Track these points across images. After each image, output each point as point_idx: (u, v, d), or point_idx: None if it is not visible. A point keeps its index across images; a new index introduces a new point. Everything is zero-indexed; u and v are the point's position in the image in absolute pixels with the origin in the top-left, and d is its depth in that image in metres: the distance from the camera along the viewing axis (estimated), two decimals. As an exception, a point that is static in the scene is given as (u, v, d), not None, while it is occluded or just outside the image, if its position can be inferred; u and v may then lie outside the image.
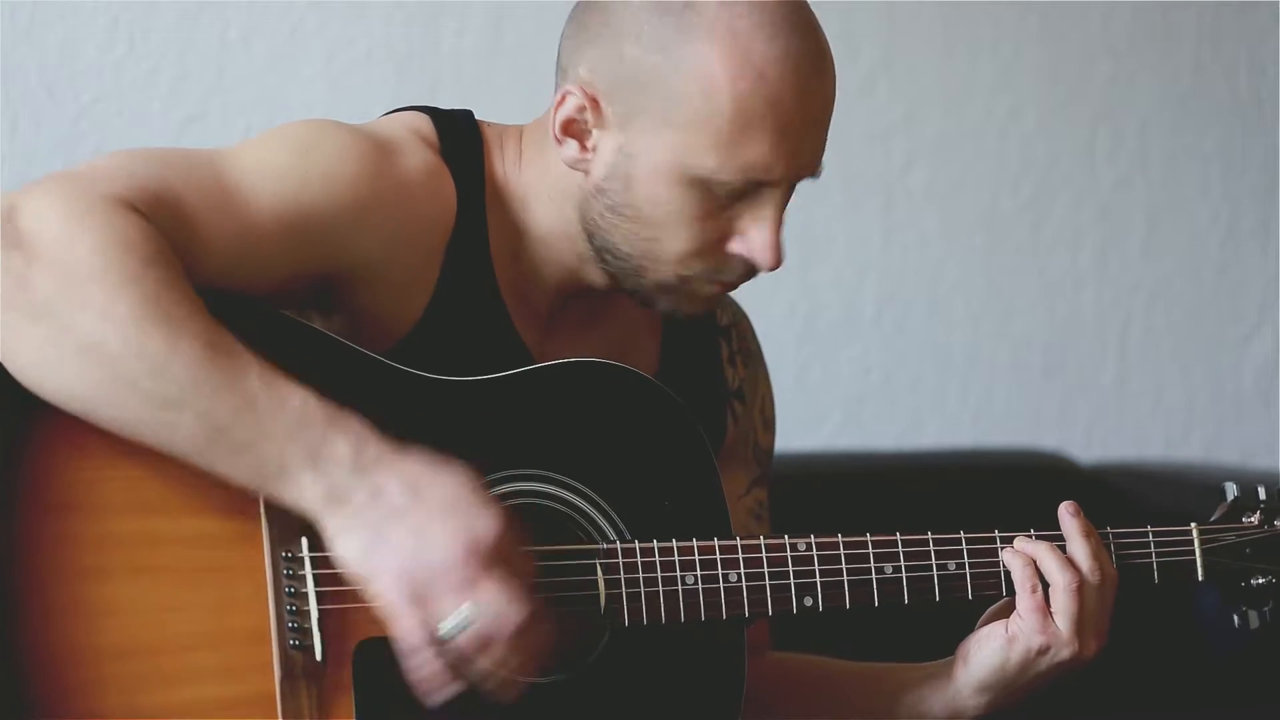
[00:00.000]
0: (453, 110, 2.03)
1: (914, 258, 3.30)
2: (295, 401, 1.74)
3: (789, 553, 1.95)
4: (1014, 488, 3.01)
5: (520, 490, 1.90)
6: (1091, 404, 3.41)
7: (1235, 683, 2.82)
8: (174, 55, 2.84)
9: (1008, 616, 1.98)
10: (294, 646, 1.78)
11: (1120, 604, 2.04)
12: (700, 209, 1.91)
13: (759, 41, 1.87)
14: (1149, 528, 2.05)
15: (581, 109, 1.92)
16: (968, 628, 2.03)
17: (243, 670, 1.77)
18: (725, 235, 1.93)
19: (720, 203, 1.91)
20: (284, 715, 1.76)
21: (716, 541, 1.94)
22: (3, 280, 1.71)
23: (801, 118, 1.89)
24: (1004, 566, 1.98)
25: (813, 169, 1.94)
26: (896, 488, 3.00)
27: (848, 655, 2.14)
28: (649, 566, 1.91)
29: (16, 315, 1.72)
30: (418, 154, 1.95)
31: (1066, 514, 1.99)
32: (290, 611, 1.78)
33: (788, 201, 1.95)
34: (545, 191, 1.99)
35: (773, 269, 1.94)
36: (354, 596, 1.78)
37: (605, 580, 1.90)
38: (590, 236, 1.96)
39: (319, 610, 1.78)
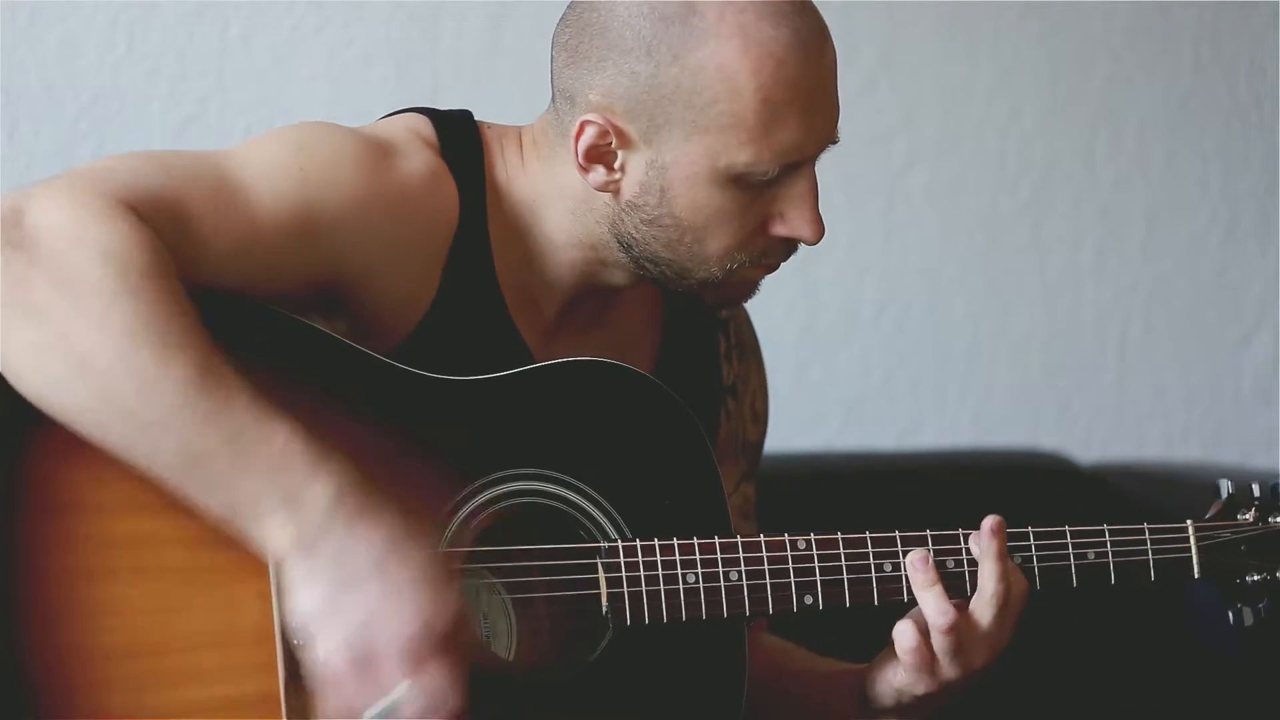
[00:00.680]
0: (451, 111, 2.03)
1: (914, 258, 3.30)
2: (279, 440, 1.72)
3: (789, 551, 1.96)
4: (1014, 488, 3.01)
5: (521, 489, 1.90)
6: (1091, 404, 3.41)
7: (1229, 678, 2.82)
8: (174, 55, 2.83)
9: (917, 623, 1.98)
10: (298, 646, 1.77)
11: (1114, 599, 2.05)
12: (740, 203, 1.93)
13: (767, 29, 1.88)
14: (1145, 525, 2.06)
15: (603, 134, 1.92)
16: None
17: (247, 670, 1.76)
18: (766, 221, 1.95)
19: (757, 191, 1.93)
20: (288, 715, 1.76)
21: (717, 540, 1.94)
22: (3, 281, 1.71)
23: (821, 91, 1.92)
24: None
25: (835, 132, 1.97)
26: (896, 488, 3.00)
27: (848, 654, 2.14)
28: (650, 565, 1.92)
29: (13, 317, 1.71)
30: (418, 156, 1.95)
31: (988, 531, 1.97)
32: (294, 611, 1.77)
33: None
34: (558, 201, 1.99)
35: (817, 242, 1.96)
36: None
37: (607, 579, 1.90)
38: (628, 249, 1.97)
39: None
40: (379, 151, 1.92)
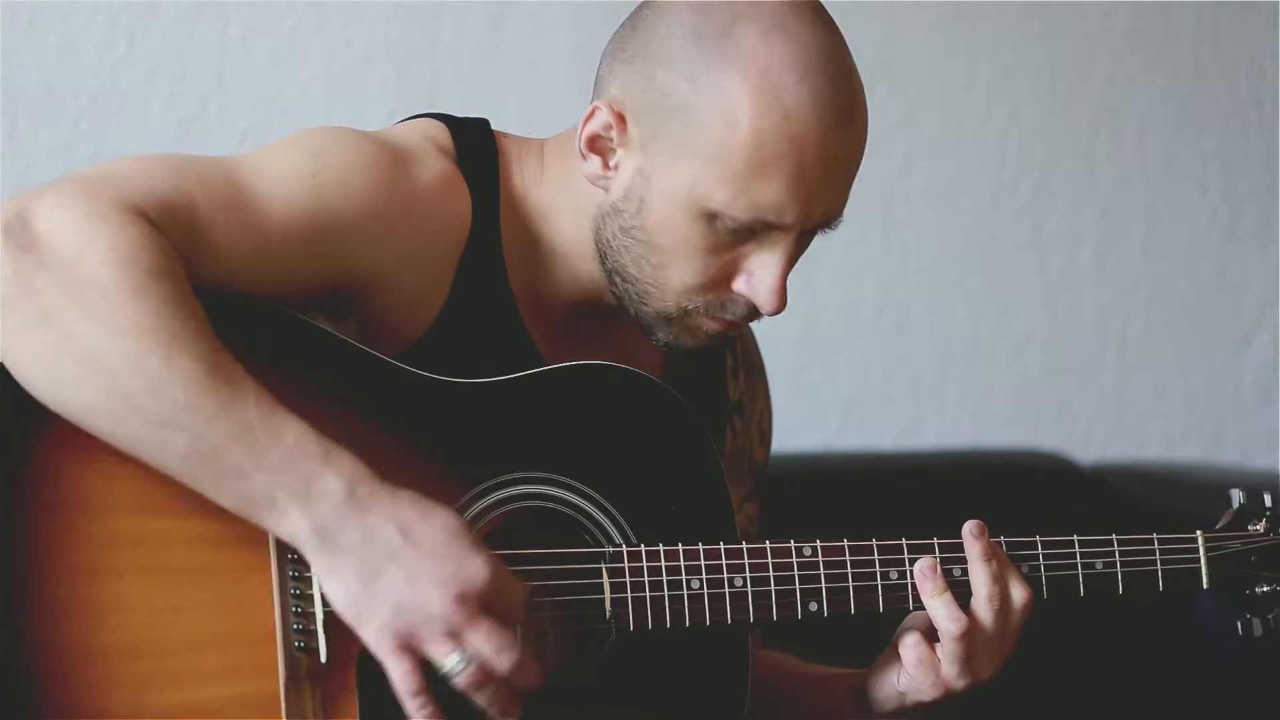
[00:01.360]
0: (468, 119, 2.02)
1: (914, 258, 3.30)
2: (290, 434, 1.74)
3: (794, 558, 1.95)
4: (1014, 488, 3.01)
5: (527, 493, 1.90)
6: (1091, 404, 3.42)
7: (1233, 685, 2.82)
8: (174, 55, 2.83)
9: (923, 628, 1.98)
10: (299, 648, 1.78)
11: (1120, 606, 2.04)
12: (708, 242, 1.90)
13: (789, 81, 1.85)
14: (1154, 535, 2.05)
15: (608, 126, 1.92)
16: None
17: (248, 671, 1.76)
18: (732, 273, 1.92)
19: (729, 239, 1.90)
20: (288, 716, 1.76)
21: (722, 546, 1.94)
22: (11, 283, 1.71)
23: (822, 165, 1.87)
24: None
25: (828, 216, 1.92)
26: (896, 488, 3.00)
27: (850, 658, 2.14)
28: (654, 571, 1.91)
29: (21, 319, 1.71)
30: (433, 162, 1.95)
31: (969, 536, 1.97)
32: (296, 613, 1.78)
33: (803, 248, 1.95)
34: (569, 206, 1.99)
35: (773, 314, 1.93)
36: None
37: (611, 584, 1.90)
38: (603, 258, 1.96)
39: (324, 612, 1.78)
40: (394, 157, 1.92)
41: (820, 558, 1.96)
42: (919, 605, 1.96)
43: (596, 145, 1.93)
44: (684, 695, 1.94)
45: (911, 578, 1.96)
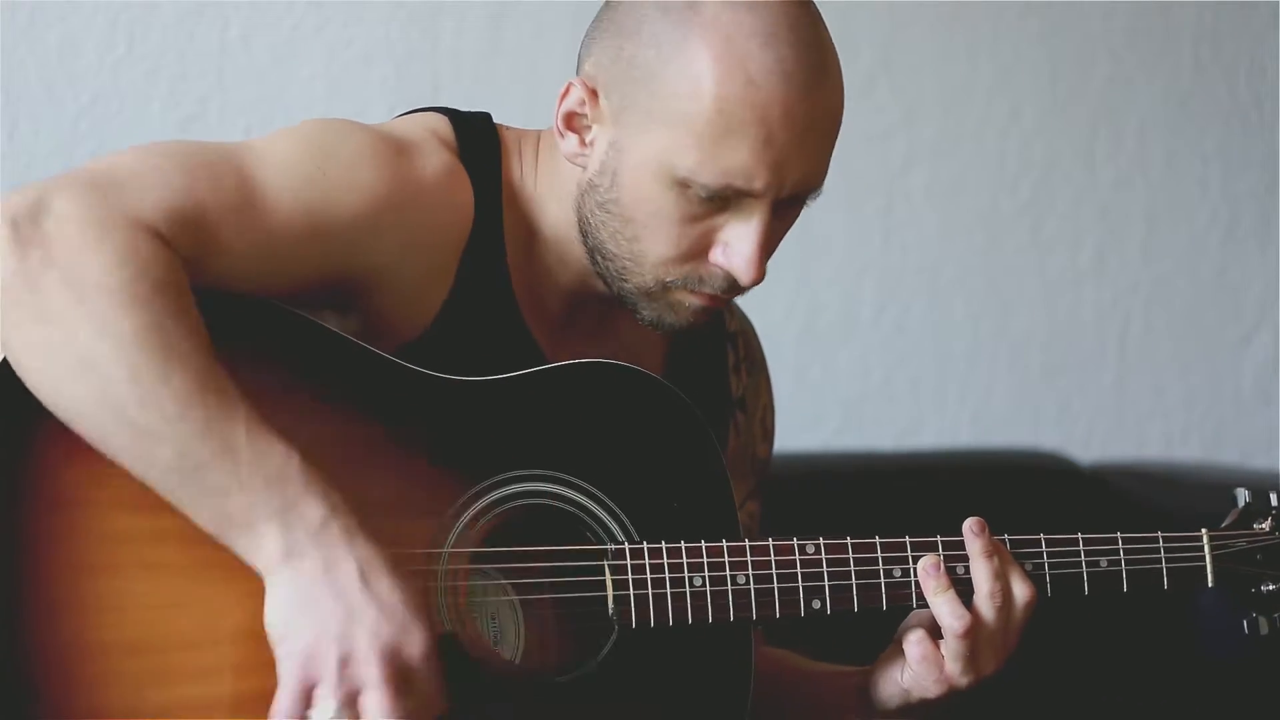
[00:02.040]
0: (471, 112, 2.03)
1: (913, 258, 3.30)
2: (277, 458, 1.73)
3: (797, 555, 1.95)
4: (1014, 488, 3.01)
5: (529, 491, 1.90)
6: (1091, 404, 3.42)
7: (1235, 683, 2.83)
8: (174, 55, 2.83)
9: (926, 626, 1.99)
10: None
11: (1123, 603, 2.04)
12: (681, 212, 1.90)
13: (753, 47, 1.85)
14: (1159, 533, 2.05)
15: (581, 102, 1.92)
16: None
17: (248, 667, 1.76)
18: (708, 244, 1.91)
19: (703, 208, 1.89)
20: (288, 713, 1.76)
21: (725, 543, 1.93)
22: (17, 277, 1.71)
23: (789, 130, 1.87)
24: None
25: (803, 185, 1.91)
26: (896, 488, 3.00)
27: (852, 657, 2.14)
28: (657, 568, 1.91)
29: (24, 314, 1.72)
30: (436, 156, 1.95)
31: (969, 533, 1.97)
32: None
33: (786, 222, 1.94)
34: (558, 192, 1.99)
35: (751, 284, 1.92)
36: None
37: (613, 581, 1.90)
38: (584, 236, 1.96)
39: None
40: (397, 150, 1.92)
41: (823, 555, 1.96)
42: (922, 603, 1.96)
43: (573, 123, 1.94)
44: (686, 693, 1.93)
45: (915, 575, 1.97)
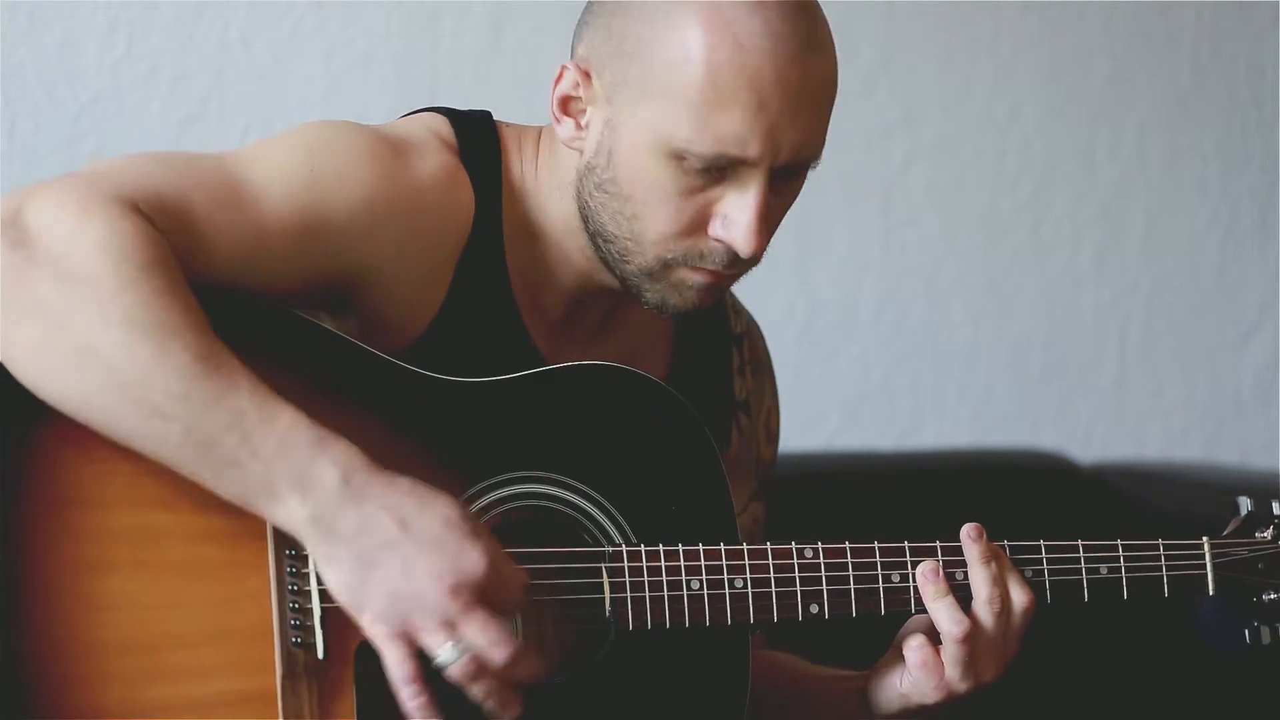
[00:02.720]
0: (471, 111, 2.03)
1: (913, 258, 3.30)
2: (284, 422, 1.74)
3: (795, 560, 1.95)
4: (1014, 488, 3.01)
5: (527, 492, 1.90)
6: (1091, 404, 3.42)
7: (1235, 683, 2.83)
8: (173, 55, 2.83)
9: (925, 631, 1.99)
10: (296, 644, 1.78)
11: (1123, 610, 2.04)
12: (678, 185, 1.89)
13: (741, 13, 1.85)
14: (1160, 540, 2.04)
15: (575, 85, 1.93)
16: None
17: (244, 667, 1.76)
18: (706, 217, 1.91)
19: (699, 180, 1.89)
20: (285, 713, 1.76)
21: (723, 547, 1.93)
22: (4, 277, 1.71)
23: (782, 95, 1.86)
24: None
25: (799, 153, 1.90)
26: (896, 488, 3.00)
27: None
28: (654, 571, 1.91)
29: (15, 313, 1.72)
30: (435, 155, 1.95)
31: (967, 539, 1.97)
32: (293, 609, 1.78)
33: (786, 195, 1.93)
34: (558, 184, 1.98)
35: (751, 256, 1.91)
36: None
37: (610, 584, 1.90)
38: (585, 223, 1.96)
39: (321, 608, 1.78)
40: (394, 150, 1.92)
41: (822, 560, 1.96)
42: (920, 608, 1.96)
43: (568, 107, 1.94)
44: (683, 696, 1.93)
45: (913, 580, 1.97)
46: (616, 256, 1.95)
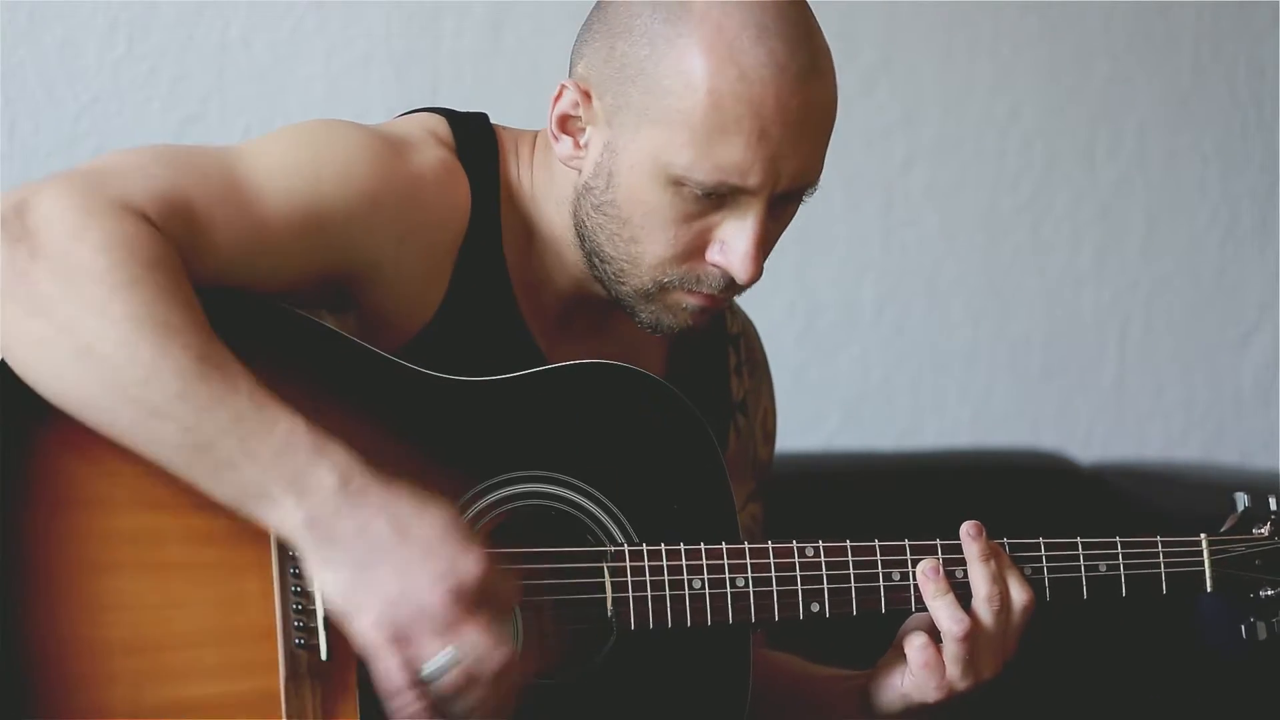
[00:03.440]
0: (468, 113, 2.03)
1: (914, 258, 3.30)
2: (283, 426, 1.73)
3: (797, 559, 1.95)
4: (1014, 488, 3.01)
5: (529, 492, 1.90)
6: (1091, 404, 3.42)
7: (1235, 683, 2.83)
8: (174, 55, 2.83)
9: (926, 630, 1.99)
10: (300, 645, 1.77)
11: (1122, 607, 2.04)
12: (677, 211, 1.90)
13: (745, 41, 1.85)
14: (1158, 537, 2.05)
15: (575, 104, 1.92)
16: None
17: (248, 668, 1.76)
18: (705, 243, 1.91)
19: (698, 206, 1.89)
20: (288, 714, 1.76)
21: (724, 546, 1.93)
22: (6, 274, 1.71)
23: (783, 124, 1.86)
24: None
25: (799, 180, 1.91)
26: (896, 488, 3.00)
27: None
28: (656, 570, 1.91)
29: (17, 310, 1.72)
30: (432, 153, 1.95)
31: (967, 537, 1.98)
32: (296, 610, 1.78)
33: (782, 221, 1.94)
34: (554, 196, 1.99)
35: (748, 283, 1.92)
36: None
37: (612, 583, 1.90)
38: (581, 240, 1.96)
39: (325, 609, 1.78)
40: (392, 148, 1.92)
41: (823, 558, 1.96)
42: (921, 606, 1.97)
43: (567, 126, 1.94)
44: (684, 695, 1.93)
45: (914, 579, 1.97)
46: (612, 277, 1.95)
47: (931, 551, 1.98)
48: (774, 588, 1.94)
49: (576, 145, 1.94)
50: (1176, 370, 3.46)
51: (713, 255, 1.91)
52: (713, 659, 1.94)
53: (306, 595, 1.78)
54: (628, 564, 1.91)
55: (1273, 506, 2.10)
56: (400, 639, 1.73)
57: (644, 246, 1.92)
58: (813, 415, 3.23)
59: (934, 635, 1.97)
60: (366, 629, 1.74)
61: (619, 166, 1.90)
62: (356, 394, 1.85)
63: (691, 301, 1.95)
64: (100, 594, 1.74)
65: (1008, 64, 3.33)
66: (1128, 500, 3.07)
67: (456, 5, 2.97)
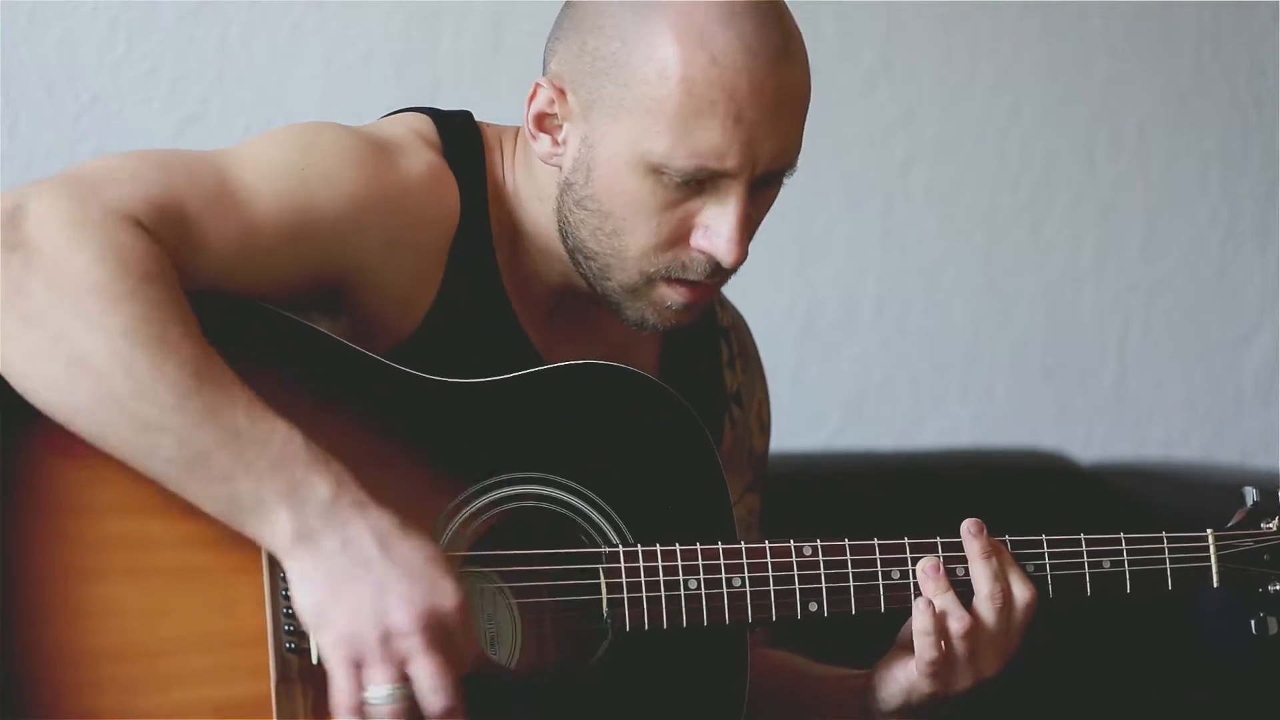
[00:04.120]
0: (452, 111, 2.03)
1: (914, 258, 3.30)
2: (279, 438, 1.74)
3: (794, 558, 1.95)
4: (1014, 488, 3.01)
5: (523, 493, 1.90)
6: (1091, 404, 3.41)
7: (1237, 683, 2.82)
8: (173, 55, 2.83)
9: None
10: (290, 650, 1.77)
11: (1126, 603, 2.04)
12: (658, 199, 1.90)
13: (714, 26, 1.86)
14: (1164, 533, 2.04)
15: (550, 101, 1.93)
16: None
17: (238, 673, 1.76)
18: (688, 229, 1.92)
19: (679, 194, 1.90)
20: (279, 718, 1.76)
21: (720, 545, 1.93)
22: (1, 283, 1.71)
23: (758, 106, 1.87)
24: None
25: (777, 162, 1.91)
26: (896, 488, 3.00)
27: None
28: (651, 571, 1.91)
29: (11, 319, 1.72)
30: (419, 154, 1.95)
31: (968, 534, 1.98)
32: (287, 614, 1.77)
33: (763, 204, 1.94)
34: (537, 193, 1.99)
35: (733, 266, 1.92)
36: None
37: (607, 584, 1.90)
38: (564, 237, 1.97)
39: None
40: (380, 150, 1.92)
41: (820, 557, 1.96)
42: (924, 604, 1.97)
43: (544, 124, 1.94)
44: (681, 696, 1.93)
45: (914, 577, 1.97)
46: (597, 273, 1.95)
47: (931, 549, 1.98)
48: (771, 587, 1.94)
49: (555, 142, 1.94)
50: (1176, 370, 3.46)
51: (697, 240, 1.92)
52: (710, 659, 1.94)
53: (296, 600, 1.79)
54: (623, 565, 1.91)
55: (1281, 501, 2.10)
56: (357, 660, 1.73)
57: (627, 238, 1.92)
58: (813, 415, 3.23)
59: (935, 634, 1.97)
60: (325, 646, 1.73)
61: (597, 160, 1.91)
62: (350, 397, 1.85)
63: (677, 298, 1.95)
64: (89, 600, 1.74)
65: (1008, 64, 3.33)
66: (1128, 500, 3.07)
67: (456, 5, 2.97)
